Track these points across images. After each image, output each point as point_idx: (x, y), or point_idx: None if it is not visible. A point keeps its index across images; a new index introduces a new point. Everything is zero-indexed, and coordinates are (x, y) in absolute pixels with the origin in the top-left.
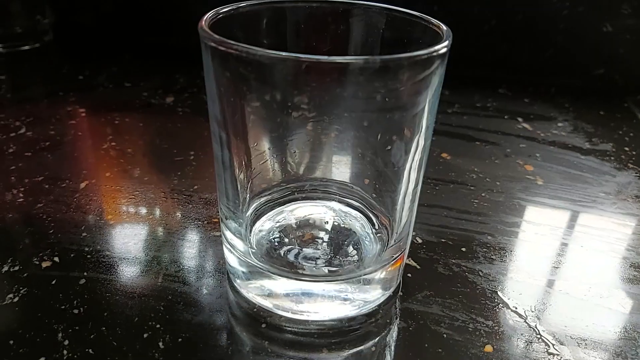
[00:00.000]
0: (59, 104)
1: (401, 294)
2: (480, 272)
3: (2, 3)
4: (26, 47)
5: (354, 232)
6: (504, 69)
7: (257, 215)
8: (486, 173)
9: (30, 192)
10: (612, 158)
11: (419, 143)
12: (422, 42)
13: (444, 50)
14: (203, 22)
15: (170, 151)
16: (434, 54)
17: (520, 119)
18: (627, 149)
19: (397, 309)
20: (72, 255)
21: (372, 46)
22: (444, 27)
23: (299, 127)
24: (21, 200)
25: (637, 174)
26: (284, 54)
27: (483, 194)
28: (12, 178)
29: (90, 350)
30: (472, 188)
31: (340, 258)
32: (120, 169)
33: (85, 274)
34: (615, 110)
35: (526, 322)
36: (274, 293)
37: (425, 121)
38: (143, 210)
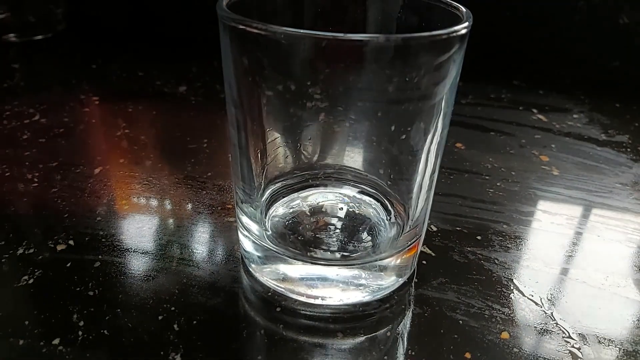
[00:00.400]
0: (72, 92)
1: (416, 280)
2: (495, 260)
3: None
4: (39, 37)
5: (369, 218)
6: (518, 60)
7: (272, 200)
8: (501, 163)
9: (44, 177)
10: (629, 150)
11: (437, 127)
12: (441, 25)
13: (464, 31)
14: (222, 1)
15: (183, 139)
16: (454, 34)
17: (535, 110)
18: None
19: (412, 296)
20: (86, 239)
21: (390, 30)
22: (463, 9)
23: (315, 113)
24: (36, 185)
25: None
26: (302, 31)
27: (498, 184)
28: (27, 164)
29: (105, 332)
30: (487, 177)
31: (355, 243)
32: (134, 155)
33: (100, 257)
34: (631, 103)
35: (542, 310)
36: (288, 277)
37: (444, 105)
38: (157, 196)
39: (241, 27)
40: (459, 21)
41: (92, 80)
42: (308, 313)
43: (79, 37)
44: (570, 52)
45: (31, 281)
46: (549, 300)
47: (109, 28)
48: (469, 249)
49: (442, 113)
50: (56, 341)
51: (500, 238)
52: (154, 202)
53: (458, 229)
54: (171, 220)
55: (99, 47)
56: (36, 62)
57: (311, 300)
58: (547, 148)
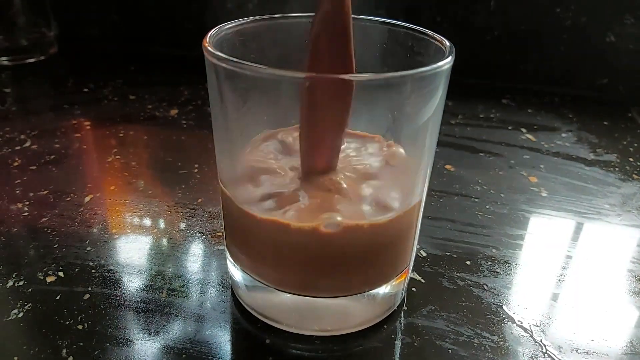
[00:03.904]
0: (64, 116)
1: (405, 308)
2: (485, 286)
3: (8, 16)
4: (32, 60)
5: None
6: (507, 79)
7: None
8: (490, 185)
9: (35, 205)
10: (617, 169)
11: (422, 159)
12: (425, 56)
13: (447, 66)
14: (206, 40)
15: (174, 164)
16: (438, 70)
17: (524, 130)
18: (631, 159)
19: (402, 324)
20: (76, 269)
21: (375, 61)
22: (447, 43)
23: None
24: (26, 214)
25: None
26: (285, 72)
27: (487, 206)
28: (17, 192)
29: None
30: (476, 200)
31: None
32: (125, 182)
33: (89, 288)
34: (619, 121)
35: (532, 337)
36: (278, 308)
37: (428, 136)
38: (147, 224)
39: (224, 65)
40: (442, 54)
41: (83, 104)
42: (298, 345)
43: (71, 60)
44: (558, 70)
45: (21, 315)
46: (538, 326)
47: (101, 51)
48: (458, 274)
49: (427, 142)
50: None
51: (489, 263)
52: (144, 231)
53: (447, 254)
54: (161, 250)
55: (90, 70)
56: (28, 86)
57: (301, 332)
58: (536, 168)
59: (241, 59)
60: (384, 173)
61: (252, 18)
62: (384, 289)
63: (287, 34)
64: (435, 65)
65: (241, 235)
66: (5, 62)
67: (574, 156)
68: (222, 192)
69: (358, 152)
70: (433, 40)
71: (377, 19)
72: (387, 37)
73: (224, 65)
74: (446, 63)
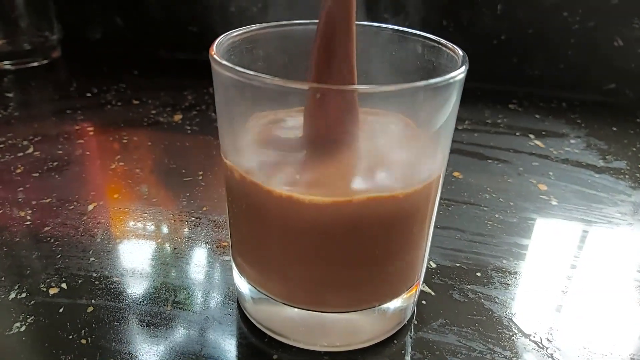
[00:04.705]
0: (67, 122)
1: (416, 322)
2: (496, 299)
3: (11, 19)
4: (34, 64)
5: None
6: (514, 84)
7: None
8: (499, 193)
9: (38, 214)
10: (627, 176)
11: (434, 169)
12: (437, 65)
13: (461, 76)
14: (213, 48)
15: (178, 171)
16: (451, 81)
17: (532, 136)
18: None
19: (412, 339)
20: (79, 281)
21: (386, 68)
22: (460, 52)
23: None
24: (29, 222)
25: None
26: (294, 84)
27: (497, 215)
28: (20, 199)
29: None
30: (485, 209)
31: None
32: (129, 190)
33: (93, 301)
34: (627, 126)
35: (545, 351)
36: (285, 323)
37: (440, 149)
38: (151, 234)
39: (231, 75)
40: (455, 64)
41: (87, 109)
42: None
43: (75, 64)
44: (566, 75)
45: (23, 328)
46: (551, 341)
47: (104, 54)
48: (468, 286)
49: (440, 156)
50: None
51: (500, 274)
52: (147, 241)
53: (457, 265)
54: (165, 261)
55: (94, 74)
56: (31, 90)
57: (310, 347)
58: (545, 176)
59: (248, 66)
60: (402, 148)
61: (259, 25)
62: (394, 303)
63: (294, 41)
64: (448, 76)
65: (246, 217)
66: (8, 66)
67: (583, 163)
68: (226, 168)
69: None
70: (445, 49)
71: (389, 27)
72: (398, 44)
73: (231, 75)
74: (459, 73)
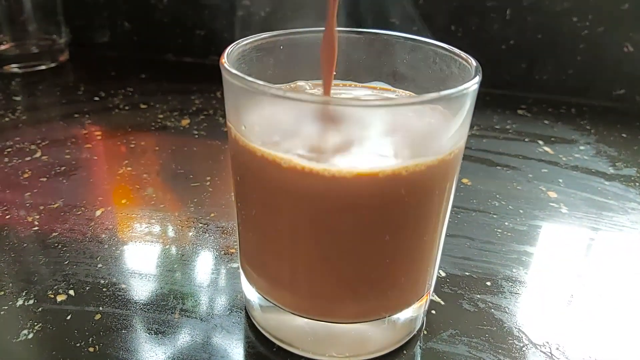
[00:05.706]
0: (74, 126)
1: (425, 332)
2: (506, 309)
3: (19, 23)
4: (42, 67)
5: None
6: (523, 89)
7: None
8: (509, 200)
9: (45, 219)
10: (637, 184)
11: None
12: (449, 74)
13: (474, 87)
14: (224, 57)
15: (186, 176)
16: (464, 92)
17: (541, 142)
18: None
19: (422, 350)
20: (87, 288)
21: (397, 76)
22: (474, 62)
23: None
24: (36, 228)
25: None
26: (304, 95)
27: (506, 223)
28: (27, 204)
29: None
30: (494, 216)
31: None
32: (136, 195)
33: (100, 308)
34: (638, 132)
35: None
36: (294, 332)
37: (452, 164)
38: (159, 241)
39: (241, 85)
40: (468, 74)
41: (94, 113)
42: None
43: (82, 67)
44: (575, 80)
45: (31, 336)
46: (561, 351)
47: (111, 58)
48: (478, 296)
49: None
50: None
51: (510, 283)
52: (155, 248)
53: (467, 273)
54: (173, 267)
55: (101, 77)
56: (38, 94)
57: (318, 357)
58: (555, 183)
59: (258, 74)
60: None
61: (269, 33)
62: (405, 314)
63: (303, 49)
64: (461, 87)
65: (255, 217)
66: (16, 69)
67: (593, 170)
68: (232, 139)
69: None
70: (458, 58)
71: (401, 35)
72: (410, 52)
73: (241, 84)
74: (473, 84)
